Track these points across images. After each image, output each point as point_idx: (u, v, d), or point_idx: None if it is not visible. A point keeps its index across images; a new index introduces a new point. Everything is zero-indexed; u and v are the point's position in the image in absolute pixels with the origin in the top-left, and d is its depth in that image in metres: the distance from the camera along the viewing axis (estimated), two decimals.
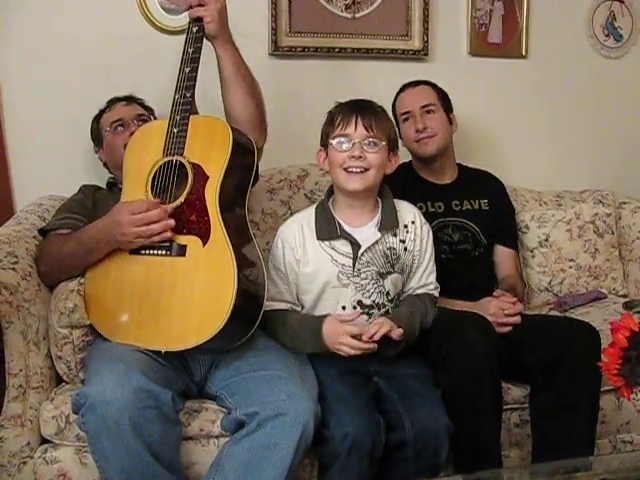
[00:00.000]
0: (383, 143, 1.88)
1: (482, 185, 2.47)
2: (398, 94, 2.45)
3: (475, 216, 2.38)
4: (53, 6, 2.47)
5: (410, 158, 2.47)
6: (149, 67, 2.50)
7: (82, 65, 2.50)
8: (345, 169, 1.86)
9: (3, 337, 1.86)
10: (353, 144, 1.85)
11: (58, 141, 2.49)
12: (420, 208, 2.19)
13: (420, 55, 2.76)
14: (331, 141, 1.89)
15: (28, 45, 2.46)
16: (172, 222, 1.79)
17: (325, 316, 1.84)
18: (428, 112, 2.37)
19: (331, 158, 1.90)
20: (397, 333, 1.77)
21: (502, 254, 2.42)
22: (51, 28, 2.47)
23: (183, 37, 2.33)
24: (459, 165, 2.49)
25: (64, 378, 1.93)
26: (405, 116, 2.39)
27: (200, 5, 1.95)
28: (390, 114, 2.23)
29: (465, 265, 2.31)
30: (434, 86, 2.43)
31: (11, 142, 2.48)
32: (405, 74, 2.56)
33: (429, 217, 2.22)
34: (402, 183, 2.19)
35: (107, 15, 2.50)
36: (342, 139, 1.87)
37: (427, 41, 2.76)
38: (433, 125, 2.35)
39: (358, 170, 1.85)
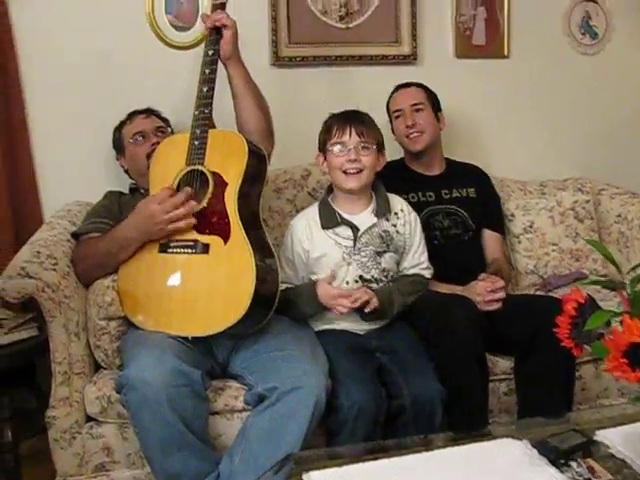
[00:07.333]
0: (374, 147, 2.17)
1: (469, 175, 2.70)
2: (392, 94, 2.68)
3: (463, 203, 2.60)
4: (72, 24, 2.66)
5: (402, 155, 2.69)
6: (162, 80, 2.70)
7: (101, 80, 2.69)
8: (343, 171, 2.14)
9: (48, 330, 2.10)
10: (349, 149, 2.13)
11: (81, 150, 2.69)
12: (412, 198, 2.49)
13: (410, 59, 2.95)
14: (330, 147, 2.17)
15: (52, 63, 2.66)
16: (194, 203, 2.02)
17: (315, 282, 2.14)
18: (417, 110, 2.59)
19: (330, 162, 2.18)
20: (372, 305, 2.08)
21: (489, 237, 2.63)
22: (71, 46, 2.66)
23: (192, 52, 2.58)
24: (447, 159, 2.71)
25: (102, 364, 2.16)
26: (397, 113, 2.62)
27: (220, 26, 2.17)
28: (382, 115, 2.57)
29: (456, 249, 2.52)
30: (424, 88, 2.66)
31: (38, 153, 2.67)
32: (396, 77, 2.76)
33: (421, 206, 2.49)
34: (396, 177, 2.42)
35: (122, 34, 2.69)
36: (339, 146, 2.15)
37: (416, 46, 2.94)
38: (422, 122, 2.58)
39: (354, 171, 2.14)
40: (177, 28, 2.75)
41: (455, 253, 2.51)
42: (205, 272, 2.00)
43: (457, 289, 2.34)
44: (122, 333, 2.11)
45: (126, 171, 2.51)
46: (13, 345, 2.24)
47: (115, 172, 2.61)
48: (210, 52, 2.16)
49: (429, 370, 2.04)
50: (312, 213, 2.25)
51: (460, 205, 2.59)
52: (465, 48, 3.05)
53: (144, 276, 2.06)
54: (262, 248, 2.04)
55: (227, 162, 2.05)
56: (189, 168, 2.08)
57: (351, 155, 2.13)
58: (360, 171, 2.15)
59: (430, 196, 2.58)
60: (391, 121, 2.66)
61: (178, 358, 1.87)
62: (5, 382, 2.21)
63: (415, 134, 2.58)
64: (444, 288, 2.36)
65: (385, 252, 2.20)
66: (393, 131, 2.65)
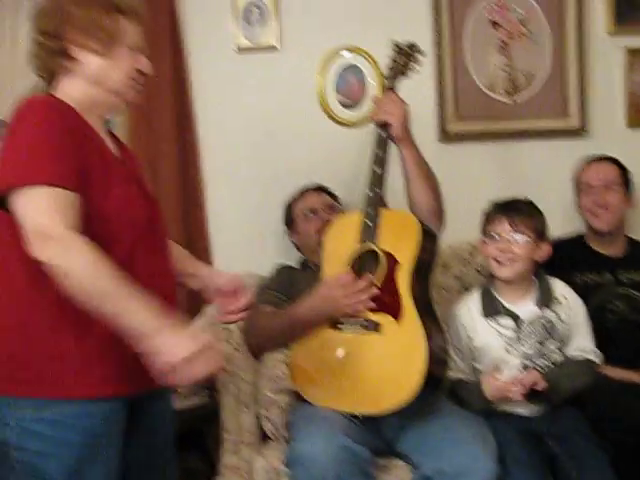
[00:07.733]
0: (527, 237, 2.12)
1: None
2: (583, 166, 2.59)
3: None
4: (246, 103, 2.85)
5: (583, 229, 2.60)
6: (331, 156, 2.80)
7: (271, 156, 2.85)
8: (495, 260, 2.14)
9: (219, 398, 2.19)
10: (501, 239, 2.13)
11: (251, 225, 2.84)
12: (588, 278, 2.41)
13: (579, 132, 2.87)
14: (485, 235, 2.19)
15: (225, 141, 2.86)
16: (376, 290, 2.04)
17: (480, 378, 2.09)
18: (608, 188, 2.50)
19: (485, 250, 2.18)
20: (541, 385, 2.01)
21: None
22: (245, 123, 2.85)
23: (360, 130, 2.64)
24: (629, 238, 2.59)
25: (270, 436, 2.21)
26: (585, 187, 2.54)
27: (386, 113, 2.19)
28: (551, 192, 2.55)
29: (632, 335, 2.39)
30: (618, 165, 2.55)
31: (210, 227, 2.85)
32: (566, 152, 2.72)
33: (597, 287, 2.41)
34: (573, 255, 2.38)
35: (293, 111, 2.84)
36: (492, 234, 2.15)
37: (585, 118, 2.86)
38: (611, 202, 2.49)
39: (505, 261, 2.12)
40: (346, 106, 2.86)
41: (631, 338, 2.38)
42: (376, 350, 2.01)
43: (633, 376, 2.23)
44: (291, 407, 2.16)
45: (296, 246, 2.59)
46: (186, 411, 2.34)
47: (285, 246, 2.70)
48: (381, 133, 2.20)
49: (605, 464, 1.93)
50: (474, 299, 2.23)
51: (639, 289, 2.46)
52: (638, 118, 2.92)
53: (315, 351, 2.09)
54: (433, 328, 2.03)
55: (399, 242, 2.08)
56: (362, 247, 2.11)
57: (501, 244, 2.13)
58: (511, 261, 2.12)
59: (608, 277, 2.48)
60: (576, 193, 2.59)
61: (347, 435, 1.89)
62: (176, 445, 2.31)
63: (602, 212, 2.49)
64: (617, 373, 2.26)
65: (549, 342, 2.14)
66: (577, 203, 2.58)
